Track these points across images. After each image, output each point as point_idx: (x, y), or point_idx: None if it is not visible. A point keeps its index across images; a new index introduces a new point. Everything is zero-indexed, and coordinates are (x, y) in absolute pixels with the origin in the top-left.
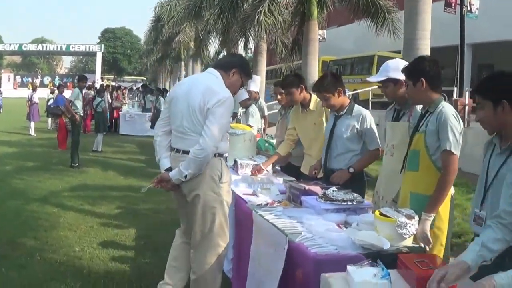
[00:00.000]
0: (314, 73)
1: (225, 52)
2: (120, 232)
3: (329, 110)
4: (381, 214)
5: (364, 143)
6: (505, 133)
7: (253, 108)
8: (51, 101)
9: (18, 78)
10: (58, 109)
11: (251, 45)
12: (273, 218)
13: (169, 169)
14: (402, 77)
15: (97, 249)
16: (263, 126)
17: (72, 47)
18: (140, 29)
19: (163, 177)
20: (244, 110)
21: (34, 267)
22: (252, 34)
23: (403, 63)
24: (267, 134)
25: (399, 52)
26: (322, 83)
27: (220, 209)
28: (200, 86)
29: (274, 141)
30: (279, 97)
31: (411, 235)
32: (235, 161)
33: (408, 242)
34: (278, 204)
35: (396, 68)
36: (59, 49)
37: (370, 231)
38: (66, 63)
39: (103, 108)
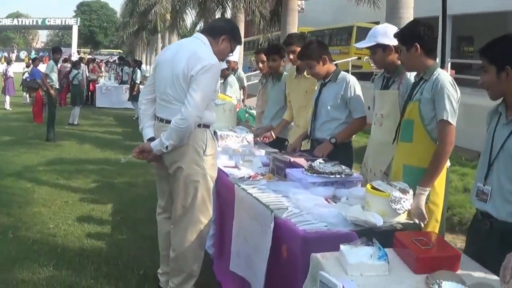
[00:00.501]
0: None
1: (202, 24)
2: (96, 207)
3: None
4: (373, 188)
5: (349, 112)
6: (510, 102)
7: (232, 79)
8: (26, 75)
9: None
10: (35, 82)
11: (229, 15)
12: (256, 192)
13: (152, 139)
14: (391, 42)
15: (72, 225)
16: (242, 97)
17: (48, 21)
18: (116, 1)
19: (145, 147)
20: (222, 80)
21: (7, 246)
22: (229, 4)
23: (392, 28)
24: (246, 105)
25: (378, 22)
26: (306, 50)
27: (203, 183)
28: (185, 51)
29: (254, 112)
30: (260, 65)
31: (405, 210)
32: (215, 132)
33: (402, 218)
34: (262, 177)
35: (384, 33)
36: (34, 23)
37: (361, 206)
38: (42, 37)
39: (80, 80)
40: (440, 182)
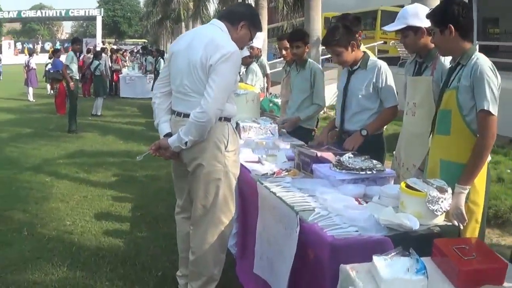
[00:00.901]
0: (318, 30)
1: None
2: (116, 203)
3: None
4: (408, 186)
5: (380, 101)
6: None
7: (254, 66)
8: (49, 66)
9: (19, 45)
10: (59, 73)
11: (252, 2)
12: (280, 191)
13: (169, 135)
14: (423, 24)
15: (89, 222)
16: (266, 85)
17: (72, 12)
18: None
19: (161, 144)
20: (244, 68)
21: (21, 244)
22: None
23: (424, 9)
24: (270, 94)
25: (402, 6)
26: (333, 36)
27: (225, 181)
28: (202, 39)
29: (279, 101)
30: (284, 52)
31: (444, 211)
32: (237, 124)
33: (440, 220)
34: (286, 173)
35: (415, 14)
36: (58, 15)
37: (394, 206)
38: (67, 28)
39: (101, 71)
40: (480, 178)
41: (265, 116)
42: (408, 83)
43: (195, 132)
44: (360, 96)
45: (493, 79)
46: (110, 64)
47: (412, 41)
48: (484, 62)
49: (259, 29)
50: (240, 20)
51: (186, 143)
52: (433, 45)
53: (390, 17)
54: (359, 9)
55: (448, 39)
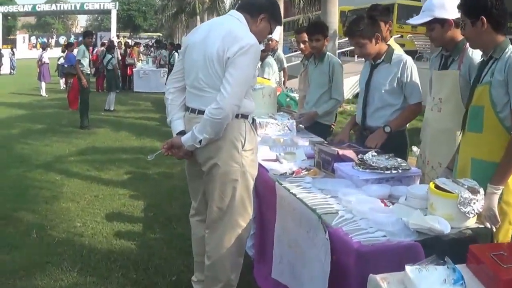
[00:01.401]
0: (334, 23)
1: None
2: (128, 202)
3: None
4: (437, 187)
5: (404, 96)
6: None
7: (271, 60)
8: (61, 60)
9: (33, 39)
10: (73, 68)
11: None
12: (301, 192)
13: (182, 133)
14: (449, 16)
15: (100, 223)
16: (283, 79)
17: (86, 6)
18: None
19: (174, 142)
20: (260, 62)
21: (29, 248)
22: None
23: (451, 0)
24: (287, 88)
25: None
26: (357, 26)
27: (242, 182)
28: (219, 31)
29: (296, 95)
30: (302, 45)
31: (476, 213)
32: (254, 120)
33: (472, 222)
34: (306, 172)
35: (442, 5)
36: (73, 8)
37: (423, 208)
38: (82, 22)
39: (114, 65)
40: None
41: (282, 112)
42: (433, 78)
43: (210, 129)
44: (383, 91)
45: None
46: (120, 58)
47: (439, 34)
48: None
49: (280, 22)
50: (260, 12)
51: (200, 141)
52: (460, 38)
53: (406, 10)
54: (376, 3)
55: (480, 32)
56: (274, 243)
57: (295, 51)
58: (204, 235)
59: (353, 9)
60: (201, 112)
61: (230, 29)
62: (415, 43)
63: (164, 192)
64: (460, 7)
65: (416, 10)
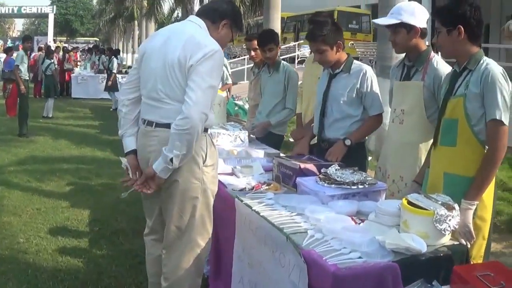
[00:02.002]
0: (277, 29)
1: (180, 9)
2: (72, 215)
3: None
4: (410, 203)
5: (364, 107)
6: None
7: None
8: None
9: None
10: (12, 73)
11: (205, 0)
12: (264, 210)
13: (133, 152)
14: (417, 23)
15: (44, 238)
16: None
17: (24, 9)
18: None
19: (147, 174)
20: None
21: None
22: None
23: (421, 9)
24: (232, 96)
25: (358, 6)
26: (321, 31)
27: (203, 200)
28: (180, 36)
29: (241, 104)
30: (252, 53)
31: (452, 230)
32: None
33: (447, 239)
34: (267, 187)
35: (411, 12)
36: (10, 12)
37: (395, 226)
38: (19, 26)
39: (53, 71)
40: (488, 193)
41: (231, 121)
42: (395, 88)
43: (180, 144)
44: (341, 102)
45: (505, 86)
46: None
47: (402, 40)
48: (495, 67)
49: (241, 29)
50: (222, 18)
51: (171, 160)
52: (424, 48)
53: (346, 17)
54: (315, 9)
55: (455, 41)
56: (233, 261)
57: (234, 57)
58: (159, 256)
59: (293, 15)
60: (159, 125)
61: (191, 35)
62: (356, 50)
63: (108, 204)
64: (436, 14)
65: (355, 17)
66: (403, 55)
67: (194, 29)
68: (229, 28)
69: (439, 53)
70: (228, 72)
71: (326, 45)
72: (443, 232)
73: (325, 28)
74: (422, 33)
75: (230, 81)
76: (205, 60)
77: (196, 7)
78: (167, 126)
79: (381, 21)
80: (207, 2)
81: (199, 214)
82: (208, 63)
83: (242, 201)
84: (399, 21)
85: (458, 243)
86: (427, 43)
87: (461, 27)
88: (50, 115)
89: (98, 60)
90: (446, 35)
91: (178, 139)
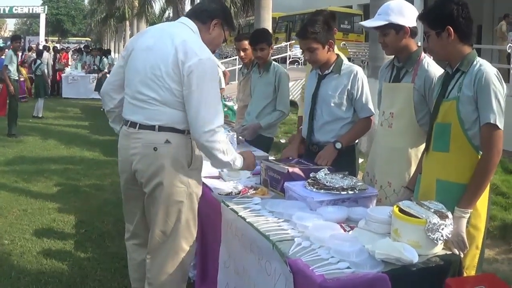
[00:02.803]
0: (269, 29)
1: (171, 9)
2: (58, 217)
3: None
4: (401, 210)
5: (354, 109)
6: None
7: None
8: None
9: None
10: (1, 73)
11: (198, 1)
12: (250, 215)
13: None
14: (406, 23)
15: (29, 240)
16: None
17: (15, 9)
18: None
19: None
20: None
21: None
22: None
23: (409, 7)
24: (222, 96)
25: (350, 6)
26: (313, 28)
27: (188, 204)
28: (173, 40)
29: (231, 104)
30: (242, 53)
31: (445, 239)
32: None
33: (439, 249)
34: (254, 191)
35: (399, 11)
36: (1, 12)
37: (385, 234)
38: (10, 26)
39: (43, 71)
40: (482, 200)
41: None
42: (383, 90)
43: (214, 158)
44: (332, 104)
45: (499, 88)
46: (52, 63)
47: (392, 41)
48: (489, 69)
49: (233, 28)
50: (213, 18)
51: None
52: (414, 48)
53: (338, 17)
54: (307, 10)
55: (446, 43)
56: (219, 267)
57: (225, 57)
58: (142, 261)
59: (284, 15)
60: (143, 127)
61: (184, 40)
62: (348, 50)
63: (95, 206)
64: (423, 17)
65: (347, 17)
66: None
67: (187, 33)
68: (221, 28)
69: (431, 57)
70: (221, 75)
71: (317, 43)
72: (435, 241)
73: (318, 25)
74: (412, 32)
75: (223, 86)
76: (200, 71)
77: (187, 7)
78: (152, 128)
79: (368, 23)
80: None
81: (185, 218)
82: (204, 75)
83: (228, 206)
84: (387, 22)
85: (450, 252)
86: (419, 43)
87: (450, 27)
88: (40, 115)
89: (90, 60)
90: (435, 37)
91: (209, 156)
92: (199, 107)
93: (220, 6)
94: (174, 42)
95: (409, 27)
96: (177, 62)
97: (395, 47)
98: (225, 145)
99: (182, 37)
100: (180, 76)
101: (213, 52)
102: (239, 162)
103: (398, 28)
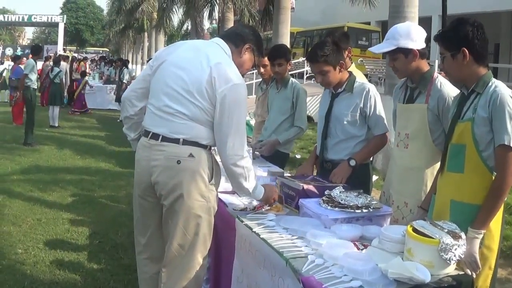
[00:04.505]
0: (287, 45)
1: (190, 22)
2: (72, 228)
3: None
4: (415, 230)
5: (368, 127)
6: None
7: None
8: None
9: None
10: (19, 81)
11: (217, 14)
12: (264, 232)
13: None
14: (414, 45)
15: (43, 250)
16: None
17: (34, 18)
18: None
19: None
20: None
21: None
22: (217, 2)
23: (417, 29)
24: None
25: (368, 23)
26: (323, 51)
27: (207, 219)
28: (210, 60)
29: (248, 119)
30: (262, 70)
31: (457, 260)
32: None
33: (452, 269)
34: (268, 207)
35: (407, 34)
36: (20, 20)
37: (399, 253)
38: (29, 34)
39: (61, 79)
40: (496, 220)
41: None
42: (398, 111)
43: (238, 183)
44: (345, 122)
45: None
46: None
47: (402, 65)
48: (504, 90)
49: (262, 54)
50: (245, 42)
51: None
52: (426, 69)
53: (356, 33)
54: (325, 25)
55: (462, 65)
56: (231, 283)
57: None
58: (153, 274)
59: (302, 30)
60: (167, 139)
61: (219, 62)
62: (366, 67)
63: (110, 217)
64: (438, 39)
65: (365, 34)
66: None
67: (222, 56)
68: (251, 53)
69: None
70: None
71: (328, 65)
72: (448, 261)
73: (327, 48)
74: (422, 54)
75: None
76: (234, 98)
77: (205, 20)
78: (176, 141)
79: (377, 48)
80: (217, 18)
81: (203, 233)
82: (237, 102)
83: (242, 221)
84: (395, 47)
85: (463, 273)
86: (436, 61)
87: (465, 49)
88: (56, 124)
89: (108, 70)
90: (451, 59)
91: (231, 179)
92: (229, 132)
93: (253, 31)
94: (210, 62)
95: (418, 50)
96: (211, 82)
97: (406, 70)
98: (249, 172)
99: (217, 59)
100: (213, 97)
101: (243, 75)
102: (259, 192)
103: (407, 52)
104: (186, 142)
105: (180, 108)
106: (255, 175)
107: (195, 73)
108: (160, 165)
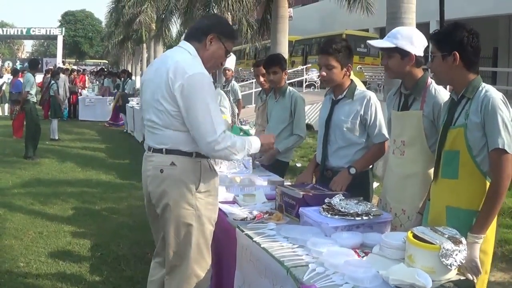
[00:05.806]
0: (285, 53)
1: None
2: (74, 240)
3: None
4: (415, 236)
5: (368, 135)
6: None
7: (219, 92)
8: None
9: None
10: (19, 95)
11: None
12: (265, 241)
13: None
14: (413, 50)
15: (45, 263)
16: (237, 111)
17: (33, 31)
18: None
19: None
20: None
21: None
22: (215, 11)
23: (419, 36)
24: (239, 120)
25: (367, 30)
26: (337, 46)
27: (198, 227)
28: (168, 64)
29: (247, 128)
30: (261, 79)
31: (458, 265)
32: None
33: (453, 274)
34: (269, 217)
35: (409, 37)
36: (19, 33)
37: (399, 259)
38: (28, 47)
39: (54, 91)
40: (491, 225)
41: None
42: (393, 118)
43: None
44: (345, 129)
45: (506, 113)
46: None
47: (396, 65)
48: (495, 94)
49: (233, 37)
50: (207, 33)
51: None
52: (419, 76)
53: (354, 41)
54: (323, 33)
55: (450, 67)
56: None
57: (242, 80)
58: (160, 277)
59: (301, 39)
60: (155, 150)
61: (176, 62)
62: (364, 73)
63: (111, 229)
64: (432, 38)
65: (363, 41)
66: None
67: (181, 55)
68: (218, 41)
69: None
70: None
71: (337, 62)
72: (449, 267)
73: (341, 45)
74: (418, 61)
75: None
76: (188, 84)
77: None
78: (160, 151)
79: (376, 43)
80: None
81: (195, 242)
82: (195, 87)
83: (243, 231)
84: (394, 45)
85: (464, 278)
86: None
87: (457, 53)
88: (56, 137)
89: (111, 82)
90: (440, 60)
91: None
92: (196, 121)
93: (214, 20)
94: (167, 67)
95: (415, 55)
96: (168, 83)
97: (398, 72)
98: (233, 146)
99: (175, 59)
100: (173, 96)
101: (218, 65)
102: (255, 148)
103: (404, 54)
104: (168, 151)
105: (154, 118)
106: (242, 141)
107: (157, 80)
108: (150, 175)
